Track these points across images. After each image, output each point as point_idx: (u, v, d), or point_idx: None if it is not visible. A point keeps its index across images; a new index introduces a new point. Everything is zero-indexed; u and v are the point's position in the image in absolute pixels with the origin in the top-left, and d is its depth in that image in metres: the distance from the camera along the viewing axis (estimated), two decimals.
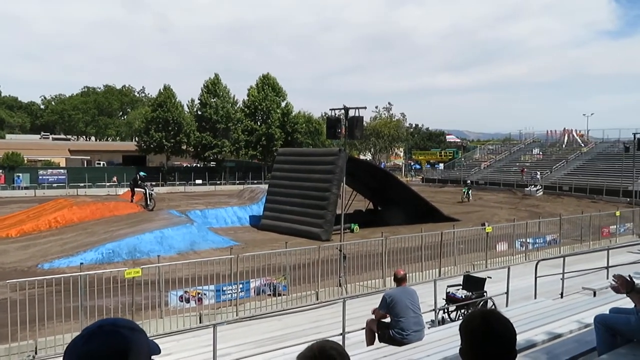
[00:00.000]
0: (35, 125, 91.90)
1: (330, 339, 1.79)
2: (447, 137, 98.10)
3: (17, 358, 8.66)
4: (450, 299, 9.05)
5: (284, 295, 12.11)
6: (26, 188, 43.67)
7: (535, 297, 8.94)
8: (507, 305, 8.74)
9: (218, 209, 27.36)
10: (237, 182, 52.03)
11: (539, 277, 9.54)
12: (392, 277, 7.56)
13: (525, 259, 16.47)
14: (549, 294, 9.35)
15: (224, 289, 11.33)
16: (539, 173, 48.18)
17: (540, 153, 58.59)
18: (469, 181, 44.47)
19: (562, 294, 9.45)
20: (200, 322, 10.25)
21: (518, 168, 52.05)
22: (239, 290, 11.41)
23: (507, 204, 37.74)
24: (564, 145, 58.62)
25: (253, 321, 9.55)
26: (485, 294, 9.09)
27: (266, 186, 29.39)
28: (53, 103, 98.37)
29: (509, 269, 9.51)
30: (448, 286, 9.30)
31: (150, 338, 1.29)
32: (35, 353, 8.72)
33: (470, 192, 39.88)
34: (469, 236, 16.50)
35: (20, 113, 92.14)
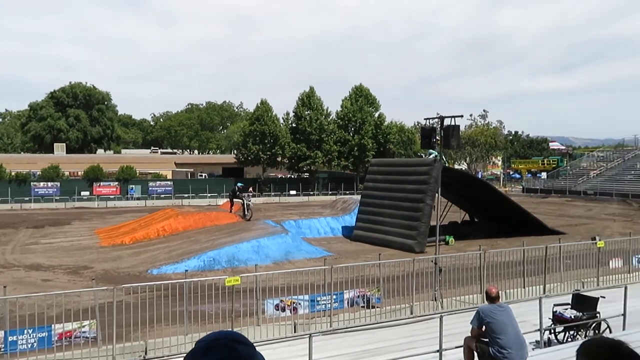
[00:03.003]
0: (147, 141, 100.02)
1: (424, 355, 1.72)
2: (550, 144, 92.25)
3: (129, 357, 9.36)
4: (558, 318, 8.42)
5: (377, 307, 11.98)
6: (138, 199, 47.40)
7: None
8: (624, 329, 7.97)
9: (311, 219, 27.82)
10: (330, 192, 52.70)
11: None
12: (485, 296, 7.20)
13: None
14: None
15: (318, 299, 11.44)
16: None
17: None
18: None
19: None
20: (295, 332, 10.44)
21: (634, 176, 47.56)
22: (333, 300, 11.46)
23: (621, 216, 34.60)
24: None
25: (347, 333, 9.55)
26: (597, 315, 8.36)
27: (359, 197, 29.43)
28: (161, 120, 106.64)
29: (626, 288, 8.69)
30: (555, 305, 8.67)
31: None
32: (146, 353, 9.37)
33: None
34: (577, 251, 15.29)
35: (134, 130, 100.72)
